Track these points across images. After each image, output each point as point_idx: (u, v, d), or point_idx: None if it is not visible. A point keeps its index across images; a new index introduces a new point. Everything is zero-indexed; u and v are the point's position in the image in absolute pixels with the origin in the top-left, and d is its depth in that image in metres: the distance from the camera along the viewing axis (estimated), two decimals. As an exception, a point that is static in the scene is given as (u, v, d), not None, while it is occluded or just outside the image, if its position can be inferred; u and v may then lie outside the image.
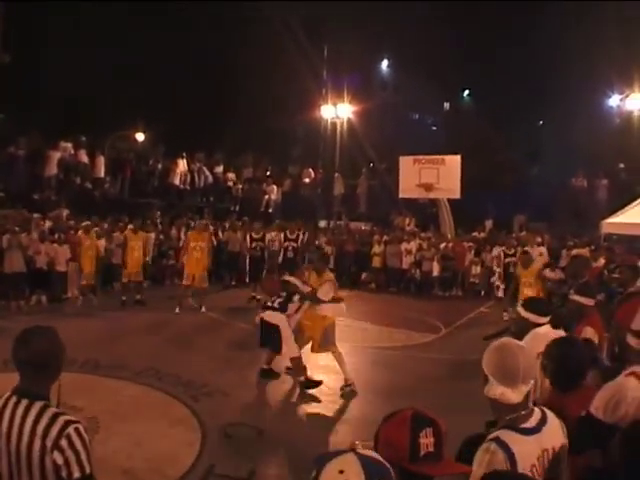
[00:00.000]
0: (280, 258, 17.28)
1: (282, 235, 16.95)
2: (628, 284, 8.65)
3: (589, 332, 5.45)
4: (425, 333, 13.85)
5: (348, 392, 9.08)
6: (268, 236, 17.38)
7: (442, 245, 20.96)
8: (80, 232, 15.95)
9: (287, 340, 9.02)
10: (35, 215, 16.95)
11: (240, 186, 29.03)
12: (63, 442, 2.74)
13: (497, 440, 2.68)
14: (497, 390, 2.77)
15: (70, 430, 2.77)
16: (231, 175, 28.85)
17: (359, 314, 16.03)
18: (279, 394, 8.97)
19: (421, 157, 24.00)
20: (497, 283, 18.86)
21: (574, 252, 17.89)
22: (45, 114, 29.02)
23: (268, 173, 30.91)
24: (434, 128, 58.56)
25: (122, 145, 29.07)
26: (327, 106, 33.91)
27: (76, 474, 2.74)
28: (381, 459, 1.99)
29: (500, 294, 17.96)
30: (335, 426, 7.64)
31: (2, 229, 15.32)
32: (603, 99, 35.09)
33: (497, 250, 19.22)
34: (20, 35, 30.56)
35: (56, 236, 16.14)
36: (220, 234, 20.89)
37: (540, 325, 5.10)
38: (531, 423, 2.79)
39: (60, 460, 2.73)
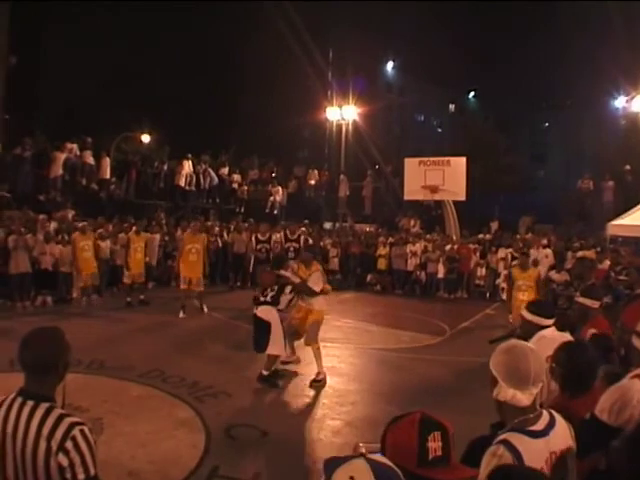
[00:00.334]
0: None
1: (282, 235, 16.82)
2: (635, 286, 8.63)
3: (592, 333, 5.44)
4: (430, 335, 13.83)
5: (318, 386, 9.29)
6: (274, 238, 17.26)
7: (447, 247, 20.92)
8: (76, 233, 15.74)
9: (275, 338, 9.12)
10: (41, 216, 16.96)
11: (245, 188, 29.06)
12: (68, 444, 2.74)
13: (505, 443, 2.66)
14: (508, 393, 2.75)
15: (75, 432, 2.77)
16: (236, 177, 28.87)
17: (364, 316, 16.06)
18: (284, 395, 8.95)
19: (426, 159, 23.98)
20: (502, 285, 18.81)
21: (580, 254, 17.83)
22: (51, 115, 29.13)
23: (273, 175, 30.92)
24: (439, 130, 58.63)
25: (128, 146, 29.12)
26: (332, 108, 33.92)
27: (81, 476, 2.74)
28: (391, 464, 1.98)
29: (505, 297, 17.92)
30: (340, 428, 7.62)
31: (8, 230, 15.36)
32: (609, 101, 35.00)
33: (503, 252, 19.18)
34: (26, 38, 30.64)
35: (61, 237, 16.16)
36: (225, 235, 20.92)
37: (545, 327, 5.08)
38: (539, 426, 2.76)
39: (65, 462, 2.72)
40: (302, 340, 9.96)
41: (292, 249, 16.57)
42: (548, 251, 18.31)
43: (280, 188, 28.96)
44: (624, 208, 17.36)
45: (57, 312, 14.30)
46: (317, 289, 9.65)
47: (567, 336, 4.97)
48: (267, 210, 27.74)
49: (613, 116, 35.18)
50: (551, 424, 2.80)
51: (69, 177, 22.26)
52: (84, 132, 23.46)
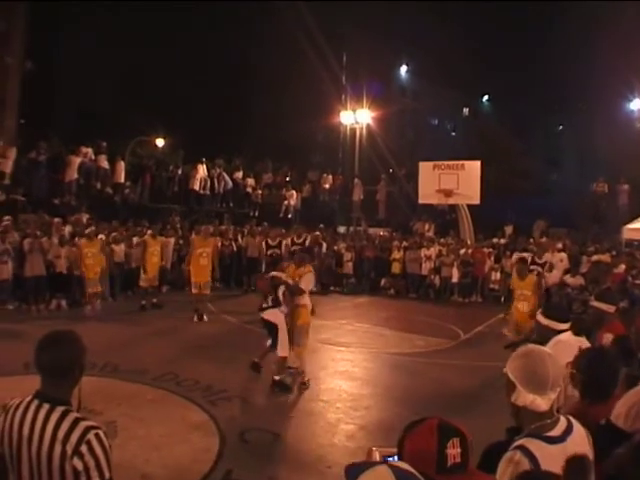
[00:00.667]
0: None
1: (289, 240, 16.73)
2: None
3: (609, 339, 5.39)
4: (444, 339, 13.79)
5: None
6: (284, 242, 17.06)
7: (462, 251, 20.86)
8: (83, 239, 15.51)
9: (282, 339, 9.32)
10: (56, 219, 17.02)
11: (260, 192, 29.08)
12: (83, 448, 2.73)
13: (522, 448, 2.64)
14: (527, 398, 2.72)
15: (90, 436, 2.76)
16: (251, 181, 28.89)
17: (378, 320, 16.03)
18: (297, 399, 8.94)
19: (440, 163, 23.93)
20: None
21: (595, 258, 17.76)
22: (66, 120, 29.28)
23: (288, 179, 30.95)
24: (453, 134, 58.52)
25: (142, 151, 29.24)
26: (346, 112, 33.95)
27: (96, 480, 2.74)
28: (413, 471, 1.97)
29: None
30: (354, 432, 7.61)
31: (23, 233, 15.45)
32: (623, 103, 34.84)
33: (517, 256, 19.07)
34: (42, 43, 30.82)
35: (76, 240, 16.21)
36: (240, 239, 20.95)
37: (561, 332, 5.05)
38: (556, 432, 2.73)
39: (80, 466, 2.72)
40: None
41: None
42: (563, 255, 18.21)
43: (294, 192, 28.96)
44: (639, 211, 17.26)
45: (71, 315, 14.34)
46: (306, 288, 9.81)
47: (583, 340, 4.94)
48: (281, 214, 27.74)
49: (628, 119, 35.01)
50: (568, 430, 2.77)
51: (84, 181, 22.32)
52: (99, 136, 23.55)
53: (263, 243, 17.70)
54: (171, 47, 35.14)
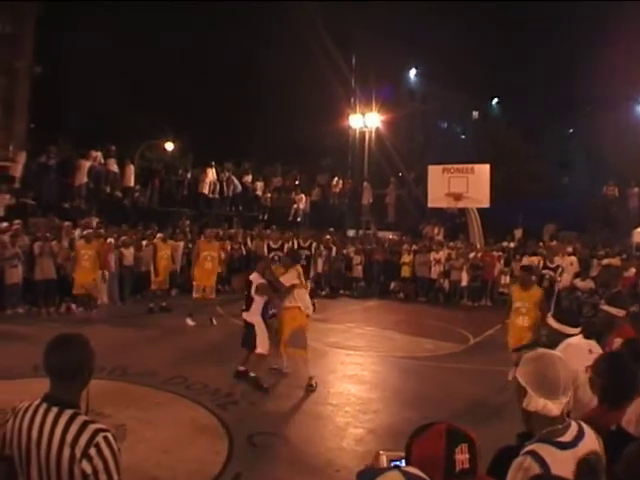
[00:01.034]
0: None
1: (296, 243, 16.66)
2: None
3: (619, 343, 5.35)
4: (454, 343, 13.76)
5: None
6: (287, 245, 16.85)
7: (471, 255, 20.82)
8: (80, 241, 15.29)
9: (261, 338, 9.33)
10: (65, 223, 17.10)
11: (269, 195, 29.12)
12: (92, 451, 2.73)
13: (532, 454, 2.61)
14: (539, 403, 2.70)
15: (99, 439, 2.76)
16: (260, 184, 28.92)
17: (387, 323, 16.01)
18: (306, 403, 8.93)
19: (450, 166, 23.84)
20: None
21: (605, 262, 17.72)
22: (75, 124, 29.35)
23: (297, 182, 30.94)
24: (463, 137, 58.47)
25: (152, 154, 29.30)
26: (355, 115, 33.90)
27: (104, 483, 2.74)
28: (424, 476, 1.96)
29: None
30: (362, 436, 7.59)
31: (33, 237, 15.51)
32: (634, 106, 34.71)
33: (527, 259, 18.96)
34: (51, 47, 30.92)
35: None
36: (249, 243, 20.97)
37: (572, 336, 5.03)
38: (568, 437, 2.71)
39: (89, 469, 2.72)
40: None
41: (303, 257, 16.47)
42: (573, 259, 18.13)
43: (303, 196, 28.98)
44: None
45: (81, 318, 14.39)
46: (286, 283, 9.71)
47: (593, 344, 4.93)
48: (290, 218, 27.75)
49: (638, 122, 34.88)
50: (580, 435, 2.75)
51: (93, 185, 22.41)
52: (108, 140, 23.62)
53: (265, 246, 17.50)
54: (181, 50, 35.23)
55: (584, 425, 2.83)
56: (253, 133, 37.28)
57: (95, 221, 19.30)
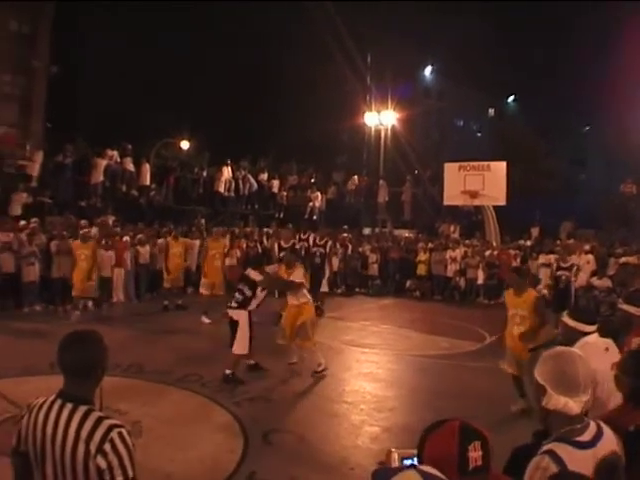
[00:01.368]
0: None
1: (311, 240, 16.61)
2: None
3: (637, 343, 5.30)
4: (470, 341, 13.70)
5: (318, 377, 9.87)
6: (297, 245, 16.56)
7: (487, 253, 20.73)
8: (76, 241, 14.87)
9: (241, 337, 9.45)
10: (82, 221, 17.19)
11: (285, 193, 29.12)
12: (106, 446, 2.74)
13: (550, 453, 2.58)
14: (560, 401, 2.67)
15: (114, 434, 2.77)
16: (276, 182, 28.92)
17: (403, 322, 15.98)
18: (322, 401, 8.92)
19: (466, 164, 23.73)
20: (544, 292, 18.56)
21: (622, 260, 17.55)
22: (91, 123, 29.47)
23: (312, 180, 30.93)
24: (479, 134, 58.25)
25: (167, 153, 29.38)
26: (371, 113, 33.86)
27: (119, 478, 2.73)
28: (441, 475, 1.95)
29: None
30: (378, 434, 7.58)
31: (50, 235, 15.59)
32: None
33: (543, 258, 18.86)
34: (68, 46, 31.07)
35: (102, 242, 16.34)
36: (265, 241, 20.98)
37: (587, 334, 4.99)
38: (586, 437, 2.67)
39: (103, 464, 2.73)
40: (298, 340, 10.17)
41: (318, 254, 16.43)
42: (590, 257, 17.99)
43: (319, 194, 28.94)
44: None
45: (97, 316, 14.47)
46: (298, 281, 9.97)
47: (610, 343, 4.88)
48: (306, 216, 27.73)
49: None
50: (598, 435, 2.71)
51: (109, 183, 22.51)
52: (124, 139, 23.71)
53: (275, 245, 17.42)
54: (196, 48, 35.28)
55: (603, 425, 2.79)
56: (269, 131, 37.26)
57: (111, 219, 19.40)
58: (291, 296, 10.14)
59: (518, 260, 20.51)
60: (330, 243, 16.92)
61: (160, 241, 17.68)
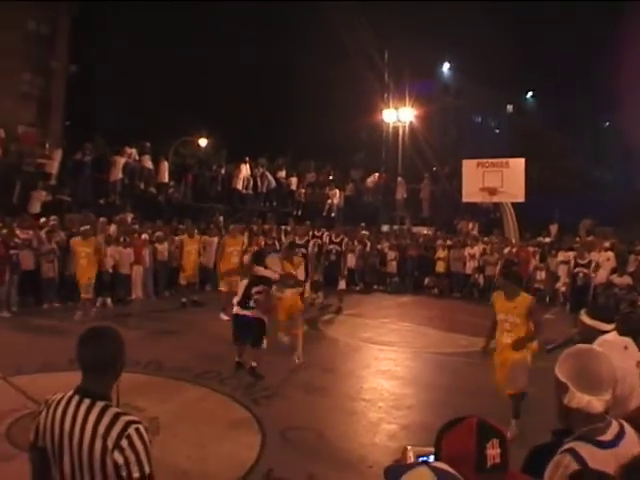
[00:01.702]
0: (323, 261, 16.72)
1: (327, 238, 16.57)
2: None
3: None
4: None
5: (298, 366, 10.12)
6: (312, 242, 16.44)
7: (506, 250, 20.64)
8: (77, 238, 14.54)
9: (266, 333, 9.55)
10: (101, 219, 17.27)
11: (303, 191, 29.12)
12: (124, 442, 2.74)
13: (572, 452, 2.55)
14: (583, 399, 2.62)
15: (131, 430, 2.77)
16: (294, 180, 28.93)
17: (421, 319, 15.95)
18: (339, 398, 8.91)
19: (484, 160, 23.62)
20: (562, 289, 18.46)
21: (643, 257, 17.43)
22: (110, 121, 29.63)
23: (331, 177, 30.91)
24: (497, 131, 58.02)
25: (186, 150, 29.47)
26: (389, 110, 33.76)
27: (136, 474, 2.74)
28: (454, 472, 1.94)
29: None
30: (395, 432, 7.56)
31: (69, 232, 15.68)
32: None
33: (563, 255, 18.74)
34: (86, 45, 31.27)
35: (121, 240, 16.43)
36: (283, 238, 20.99)
37: (606, 332, 4.94)
38: (608, 436, 2.63)
39: (120, 460, 2.73)
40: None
41: (334, 252, 16.40)
42: (610, 254, 17.85)
43: (337, 191, 28.92)
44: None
45: (116, 313, 14.54)
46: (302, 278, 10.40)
47: (629, 341, 4.83)
48: (324, 213, 27.71)
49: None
50: (620, 435, 2.66)
51: (128, 181, 22.60)
52: (143, 137, 23.80)
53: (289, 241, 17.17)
54: (214, 46, 35.38)
55: (625, 424, 2.75)
56: (287, 129, 37.31)
57: (130, 217, 19.47)
58: (288, 288, 10.21)
59: (537, 257, 20.42)
60: (346, 240, 16.88)
61: (177, 238, 17.76)
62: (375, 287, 21.63)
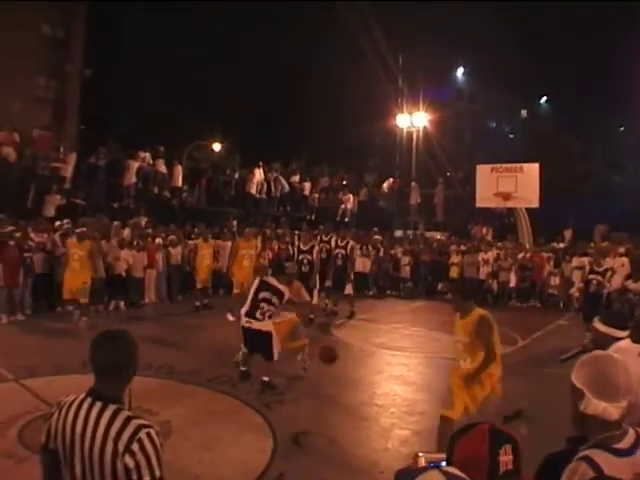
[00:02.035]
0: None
1: (333, 243, 16.49)
2: None
3: None
4: (502, 345, 13.52)
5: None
6: (316, 248, 16.07)
7: (520, 255, 20.58)
8: (72, 239, 14.17)
9: (276, 347, 9.26)
10: (115, 223, 17.34)
11: (316, 195, 29.13)
12: (135, 446, 2.74)
13: (587, 459, 2.51)
14: (599, 406, 2.58)
15: (142, 434, 2.77)
16: (307, 184, 28.96)
17: (434, 324, 15.88)
18: (352, 403, 8.89)
19: (499, 165, 23.61)
20: (576, 295, 18.37)
21: (658, 263, 17.30)
22: (124, 125, 29.77)
23: (344, 182, 30.91)
24: (511, 136, 57.87)
25: (199, 155, 29.55)
26: (403, 115, 33.78)
27: (146, 478, 2.74)
28: (464, 476, 1.92)
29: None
30: (407, 437, 7.53)
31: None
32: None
33: (577, 260, 18.64)
34: (101, 49, 31.45)
35: (135, 243, 16.50)
36: (297, 242, 21.00)
37: (620, 339, 4.90)
38: (625, 444, 2.58)
39: (131, 464, 2.73)
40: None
41: (340, 256, 16.31)
42: (625, 260, 17.74)
43: (351, 196, 28.94)
44: None
45: (129, 317, 14.59)
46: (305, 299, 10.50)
47: (643, 348, 4.78)
48: (338, 218, 27.72)
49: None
50: (637, 443, 2.61)
51: (142, 185, 22.71)
52: (157, 141, 23.89)
53: (295, 249, 16.58)
54: (229, 50, 35.48)
55: None
56: (301, 133, 37.34)
57: (144, 221, 19.55)
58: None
59: (551, 263, 20.36)
60: (351, 244, 16.79)
61: (191, 242, 17.82)
62: (388, 292, 21.62)
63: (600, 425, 2.60)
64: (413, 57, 36.63)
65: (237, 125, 31.72)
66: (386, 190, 31.41)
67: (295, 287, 10.14)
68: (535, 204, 22.62)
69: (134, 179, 22.04)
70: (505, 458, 2.11)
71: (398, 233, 28.51)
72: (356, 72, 37.11)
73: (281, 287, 9.50)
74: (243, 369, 9.71)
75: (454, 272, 21.13)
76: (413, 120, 33.37)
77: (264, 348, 9.27)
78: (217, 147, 31.87)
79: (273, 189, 27.20)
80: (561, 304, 19.63)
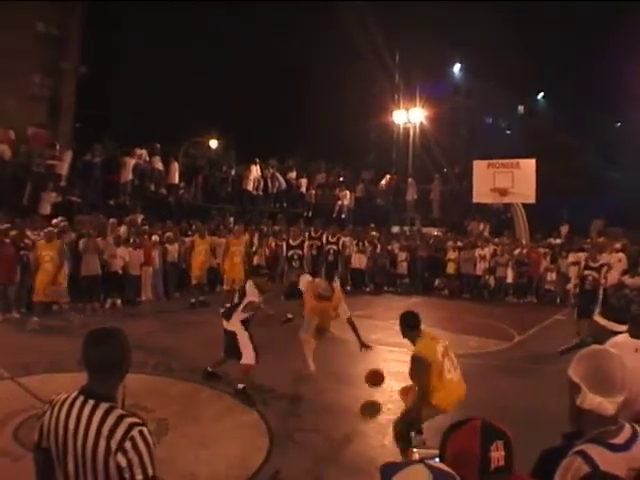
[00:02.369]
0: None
1: (324, 238, 16.35)
2: None
3: None
4: (498, 340, 13.61)
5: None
6: (306, 243, 15.61)
7: (517, 251, 20.60)
8: (41, 241, 13.75)
9: (245, 346, 8.77)
10: (111, 220, 17.31)
11: (313, 192, 29.11)
12: (127, 444, 2.74)
13: (582, 454, 2.51)
14: (595, 400, 2.58)
15: (134, 433, 2.77)
16: (304, 181, 28.94)
17: (431, 320, 15.81)
18: (348, 400, 8.87)
19: (495, 161, 23.63)
20: (573, 291, 18.37)
21: (655, 258, 17.32)
22: (120, 122, 29.71)
23: (341, 179, 30.91)
24: (508, 132, 57.84)
25: (196, 151, 29.52)
26: (399, 111, 33.77)
27: (139, 476, 2.73)
28: (451, 471, 1.92)
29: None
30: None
31: (79, 233, 15.73)
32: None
33: (573, 256, 18.62)
34: (97, 46, 31.36)
35: (131, 241, 16.48)
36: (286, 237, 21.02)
37: (618, 333, 4.91)
38: (620, 439, 2.58)
39: (123, 462, 2.73)
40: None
41: (332, 252, 16.23)
42: (621, 255, 17.76)
43: (348, 192, 28.94)
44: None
45: (125, 314, 14.57)
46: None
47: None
48: (335, 214, 27.72)
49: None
50: (633, 438, 2.61)
51: (138, 182, 22.66)
52: (153, 138, 23.83)
53: (284, 244, 16.26)
54: (224, 48, 35.42)
55: (638, 427, 2.71)
56: (297, 130, 37.31)
57: (140, 218, 19.54)
58: None
59: (548, 259, 20.37)
60: (342, 240, 16.77)
61: (187, 239, 17.83)
62: (385, 288, 21.63)
63: (596, 420, 2.60)
64: (410, 53, 36.57)
65: (233, 122, 31.67)
66: (384, 187, 31.40)
67: (337, 295, 9.66)
68: (532, 200, 22.63)
69: (130, 176, 21.98)
70: (496, 454, 2.11)
71: (395, 229, 28.50)
72: (353, 69, 37.01)
73: (248, 289, 9.16)
74: (209, 369, 9.38)
75: (451, 268, 21.16)
76: (410, 116, 33.33)
77: (231, 347, 8.95)
78: (213, 144, 31.86)
79: (270, 186, 27.19)
80: (558, 300, 19.65)
